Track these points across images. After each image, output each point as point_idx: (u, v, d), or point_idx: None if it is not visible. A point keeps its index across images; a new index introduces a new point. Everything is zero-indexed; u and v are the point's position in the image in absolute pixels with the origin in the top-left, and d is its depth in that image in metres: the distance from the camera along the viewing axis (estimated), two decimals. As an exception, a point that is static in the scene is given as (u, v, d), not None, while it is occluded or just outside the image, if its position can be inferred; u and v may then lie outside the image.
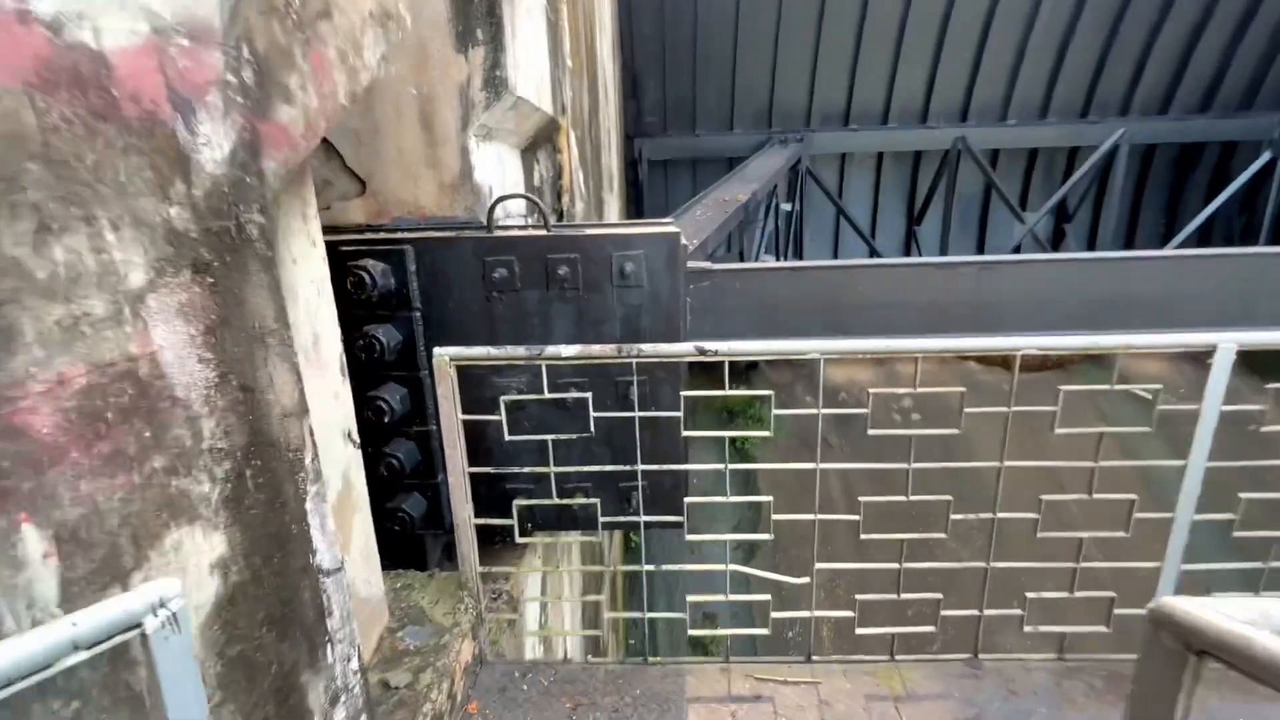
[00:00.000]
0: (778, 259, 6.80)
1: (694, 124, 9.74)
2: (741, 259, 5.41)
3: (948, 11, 8.57)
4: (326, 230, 2.04)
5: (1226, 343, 1.45)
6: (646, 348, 1.42)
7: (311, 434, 0.99)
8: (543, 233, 1.67)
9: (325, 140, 2.23)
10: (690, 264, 2.69)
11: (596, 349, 1.43)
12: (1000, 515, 1.59)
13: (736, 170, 6.78)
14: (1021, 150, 9.64)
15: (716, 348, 1.41)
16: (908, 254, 10.04)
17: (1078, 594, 1.68)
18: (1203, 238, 8.50)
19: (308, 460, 0.98)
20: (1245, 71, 8.96)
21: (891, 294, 3.00)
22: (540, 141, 3.05)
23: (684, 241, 1.61)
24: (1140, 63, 8.89)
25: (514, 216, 2.76)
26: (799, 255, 9.23)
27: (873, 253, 9.82)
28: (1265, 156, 8.36)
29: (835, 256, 9.99)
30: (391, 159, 2.20)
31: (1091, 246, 9.80)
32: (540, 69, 2.68)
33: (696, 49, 9.18)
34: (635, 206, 9.16)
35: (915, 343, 1.44)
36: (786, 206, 7.61)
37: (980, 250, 10.00)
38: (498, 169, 2.50)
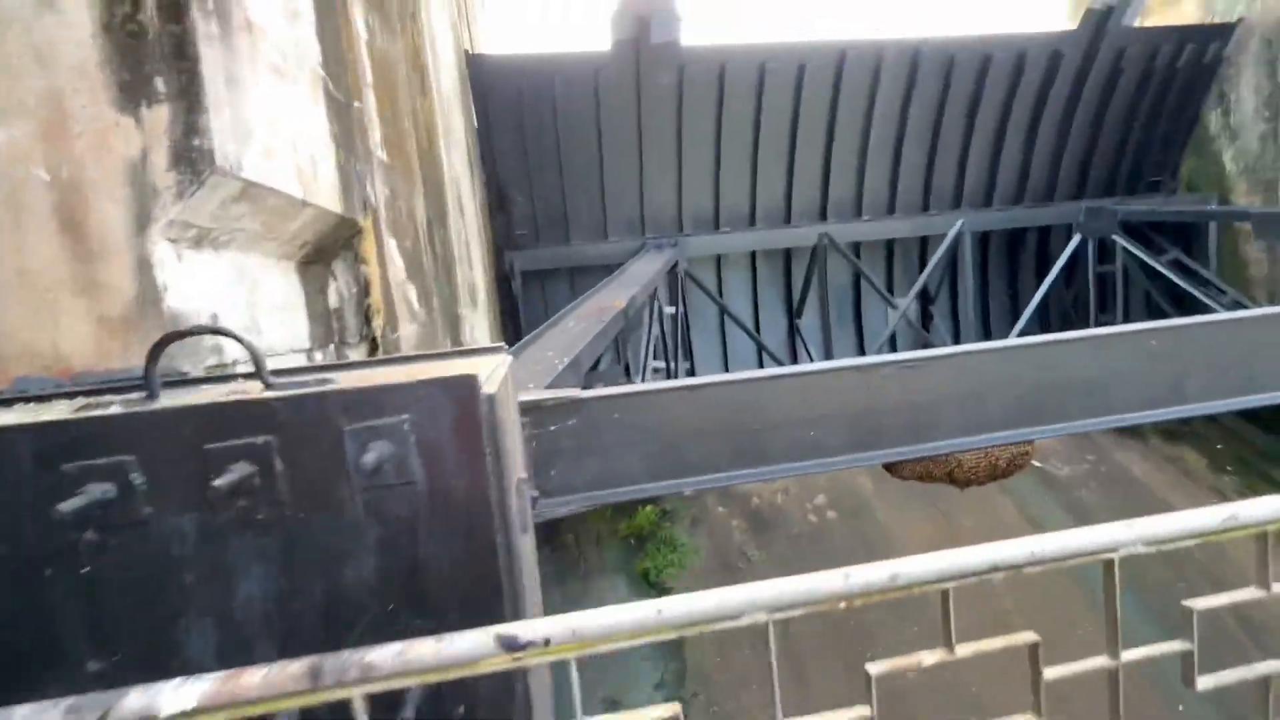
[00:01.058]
0: (668, 365, 6.28)
1: (567, 234, 9.49)
2: (628, 371, 4.82)
3: (794, 122, 9.19)
4: None
5: None
6: (382, 658, 0.61)
7: None
8: (200, 400, 0.86)
9: None
10: (551, 395, 1.96)
11: (256, 684, 0.59)
12: None
13: (613, 276, 6.35)
14: (880, 242, 10.25)
15: (539, 635, 0.62)
16: (792, 347, 10.09)
17: None
18: (1043, 315, 9.17)
19: None
20: (1043, 169, 10.29)
21: (809, 408, 2.43)
22: (333, 251, 2.26)
23: (488, 391, 0.86)
24: (961, 162, 9.95)
25: (292, 359, 1.90)
26: (689, 357, 8.89)
27: (760, 348, 9.73)
28: (1077, 239, 9.34)
29: (725, 355, 9.80)
30: (8, 286, 1.30)
31: (955, 327, 10.37)
32: (311, 152, 1.93)
33: (562, 162, 9.09)
34: (512, 320, 8.48)
35: (951, 558, 0.73)
36: (670, 310, 7.25)
37: (860, 337, 10.29)
38: (236, 290, 1.65)
